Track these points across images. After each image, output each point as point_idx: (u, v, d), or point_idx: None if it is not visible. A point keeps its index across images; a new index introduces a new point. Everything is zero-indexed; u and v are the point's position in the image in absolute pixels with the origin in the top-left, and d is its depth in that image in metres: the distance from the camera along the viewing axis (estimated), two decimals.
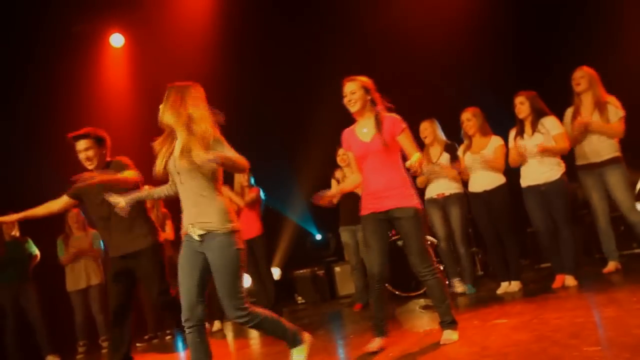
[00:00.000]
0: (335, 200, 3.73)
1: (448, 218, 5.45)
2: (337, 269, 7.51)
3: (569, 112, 5.03)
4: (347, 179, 3.92)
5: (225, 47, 8.14)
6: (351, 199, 5.87)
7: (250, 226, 6.20)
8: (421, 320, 4.60)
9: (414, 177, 4.88)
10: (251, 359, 4.32)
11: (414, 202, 3.46)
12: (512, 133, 4.97)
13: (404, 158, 3.57)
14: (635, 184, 5.79)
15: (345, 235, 6.13)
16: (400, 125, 3.50)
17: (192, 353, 3.03)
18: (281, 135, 8.36)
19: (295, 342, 3.16)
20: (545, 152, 4.64)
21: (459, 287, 5.42)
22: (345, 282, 7.33)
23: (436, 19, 7.44)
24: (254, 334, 5.61)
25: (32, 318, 6.13)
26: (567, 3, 6.97)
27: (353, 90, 3.51)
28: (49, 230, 6.54)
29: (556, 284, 4.69)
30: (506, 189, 5.08)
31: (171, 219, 6.44)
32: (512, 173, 5.05)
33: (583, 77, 4.90)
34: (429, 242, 3.56)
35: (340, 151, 5.98)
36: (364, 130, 3.54)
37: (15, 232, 6.23)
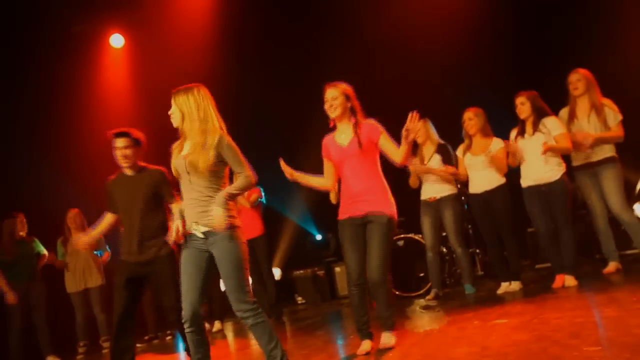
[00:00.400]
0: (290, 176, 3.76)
1: (441, 221, 5.45)
2: (337, 269, 7.51)
3: (564, 112, 5.01)
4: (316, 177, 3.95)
5: (225, 48, 8.14)
6: None
7: (252, 226, 6.20)
8: (421, 321, 4.59)
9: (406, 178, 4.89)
10: (251, 359, 4.32)
11: (390, 210, 3.52)
12: (513, 133, 4.96)
13: (387, 164, 3.61)
14: (635, 184, 5.79)
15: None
16: (378, 129, 3.57)
17: (193, 351, 3.05)
18: (281, 136, 8.35)
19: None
20: (550, 151, 4.62)
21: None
22: (345, 282, 7.31)
23: (436, 18, 7.43)
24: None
25: (37, 317, 6.15)
26: (566, 3, 6.96)
27: (335, 96, 3.57)
28: (49, 231, 6.55)
29: (556, 284, 4.69)
30: (506, 189, 5.08)
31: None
32: (512, 173, 5.05)
33: (580, 81, 4.89)
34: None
35: None
36: (342, 135, 3.61)
37: (23, 233, 6.25)
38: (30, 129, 7.57)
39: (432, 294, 5.48)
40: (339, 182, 6.03)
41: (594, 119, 4.85)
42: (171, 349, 5.75)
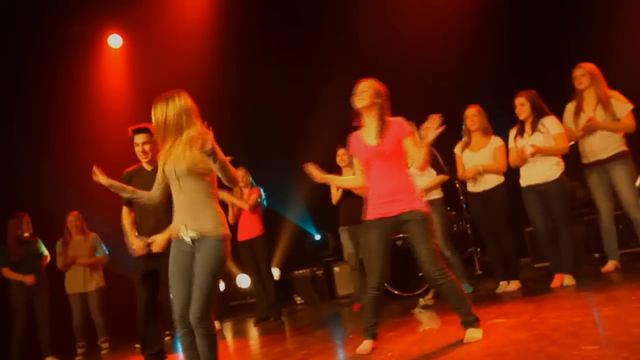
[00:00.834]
0: (319, 179, 3.69)
1: None
2: (336, 269, 7.51)
3: (570, 107, 4.99)
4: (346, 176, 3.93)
5: (223, 48, 8.14)
6: (351, 200, 5.88)
7: (251, 226, 6.20)
8: (420, 320, 4.59)
9: None
10: (250, 359, 4.31)
11: (422, 205, 3.44)
12: (512, 132, 4.96)
13: None
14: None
15: (344, 235, 6.13)
16: (406, 129, 3.48)
17: (187, 353, 3.05)
18: (280, 136, 8.36)
19: None
20: (538, 153, 4.64)
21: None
22: (344, 282, 7.33)
23: (435, 18, 7.44)
24: (253, 335, 5.61)
25: (41, 317, 6.17)
26: (566, 2, 6.97)
27: (364, 89, 3.50)
28: (49, 232, 6.54)
29: (555, 283, 4.70)
30: (505, 188, 5.08)
31: None
32: (511, 172, 5.05)
33: (584, 75, 4.86)
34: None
35: (340, 151, 5.97)
36: (370, 134, 3.52)
37: (28, 233, 6.29)
38: (28, 129, 7.57)
39: (431, 294, 5.48)
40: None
41: (600, 113, 4.79)
42: (170, 349, 5.74)
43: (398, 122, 3.49)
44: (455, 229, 6.57)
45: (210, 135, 2.79)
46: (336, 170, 6.09)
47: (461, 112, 5.19)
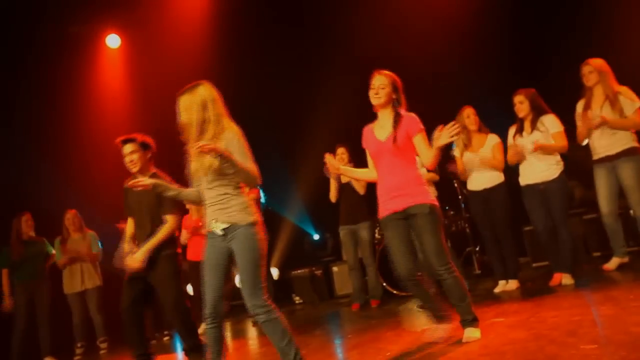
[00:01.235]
0: (335, 172, 3.66)
1: None
2: (335, 268, 7.51)
3: (580, 104, 4.92)
4: (354, 170, 3.93)
5: (222, 48, 8.13)
6: (350, 199, 5.88)
7: None
8: (418, 319, 4.59)
9: None
10: (249, 359, 4.31)
11: (430, 199, 3.44)
12: (512, 130, 4.96)
13: None
14: None
15: (344, 234, 6.13)
16: (418, 125, 3.46)
17: (212, 347, 3.11)
18: (279, 136, 8.36)
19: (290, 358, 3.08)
20: (540, 149, 4.62)
21: None
22: (343, 281, 7.33)
23: (434, 17, 7.44)
24: (252, 335, 5.61)
25: (41, 317, 6.18)
26: (566, 2, 6.97)
27: (383, 85, 3.48)
28: (49, 231, 6.54)
29: (553, 282, 4.70)
30: (505, 187, 5.07)
31: None
32: (510, 171, 5.05)
33: (592, 72, 4.78)
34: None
35: (339, 150, 5.95)
36: (381, 128, 3.52)
37: (31, 232, 6.30)
38: (26, 129, 7.56)
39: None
40: (340, 181, 6.03)
41: (607, 110, 4.71)
42: (169, 350, 5.74)
43: (411, 118, 3.47)
44: (453, 228, 6.57)
45: (231, 135, 2.94)
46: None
47: (453, 110, 5.17)
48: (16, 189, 7.27)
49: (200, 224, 6.30)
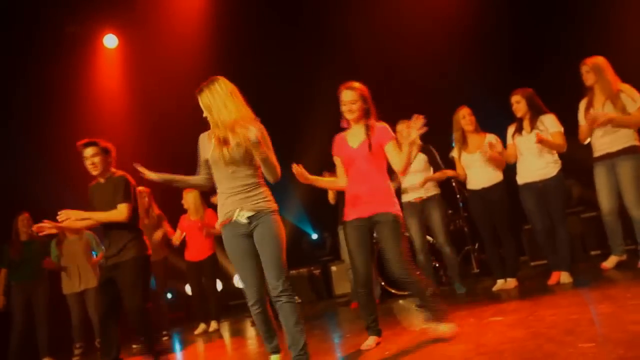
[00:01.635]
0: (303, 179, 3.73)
1: (427, 221, 5.44)
2: (334, 268, 7.52)
3: (583, 103, 4.90)
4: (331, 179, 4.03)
5: (219, 48, 8.13)
6: None
7: None
8: (416, 319, 4.59)
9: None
10: (248, 359, 4.32)
11: (395, 208, 3.53)
12: (511, 130, 4.96)
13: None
14: None
15: (342, 234, 6.13)
16: (389, 134, 3.57)
17: (262, 328, 3.27)
18: (277, 136, 8.32)
19: (276, 349, 3.37)
20: (542, 142, 4.58)
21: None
22: (342, 281, 7.34)
23: (434, 18, 7.45)
24: (250, 334, 5.61)
25: (39, 318, 6.19)
26: (566, 2, 6.97)
27: (353, 100, 3.58)
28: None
29: (551, 280, 4.70)
30: (504, 186, 5.08)
31: (166, 219, 6.43)
32: (509, 170, 5.05)
33: (589, 72, 4.77)
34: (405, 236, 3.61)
35: None
36: (354, 136, 3.62)
37: (30, 232, 6.29)
38: (24, 129, 7.56)
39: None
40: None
41: (609, 108, 4.68)
42: (168, 350, 5.73)
43: (382, 128, 3.59)
44: (452, 227, 6.58)
45: (257, 127, 3.03)
46: (334, 169, 6.09)
47: (450, 110, 5.17)
48: (14, 189, 7.27)
49: (200, 224, 6.29)
